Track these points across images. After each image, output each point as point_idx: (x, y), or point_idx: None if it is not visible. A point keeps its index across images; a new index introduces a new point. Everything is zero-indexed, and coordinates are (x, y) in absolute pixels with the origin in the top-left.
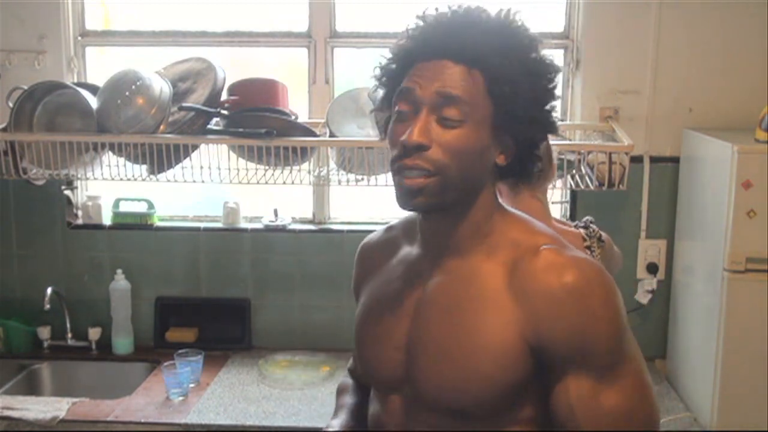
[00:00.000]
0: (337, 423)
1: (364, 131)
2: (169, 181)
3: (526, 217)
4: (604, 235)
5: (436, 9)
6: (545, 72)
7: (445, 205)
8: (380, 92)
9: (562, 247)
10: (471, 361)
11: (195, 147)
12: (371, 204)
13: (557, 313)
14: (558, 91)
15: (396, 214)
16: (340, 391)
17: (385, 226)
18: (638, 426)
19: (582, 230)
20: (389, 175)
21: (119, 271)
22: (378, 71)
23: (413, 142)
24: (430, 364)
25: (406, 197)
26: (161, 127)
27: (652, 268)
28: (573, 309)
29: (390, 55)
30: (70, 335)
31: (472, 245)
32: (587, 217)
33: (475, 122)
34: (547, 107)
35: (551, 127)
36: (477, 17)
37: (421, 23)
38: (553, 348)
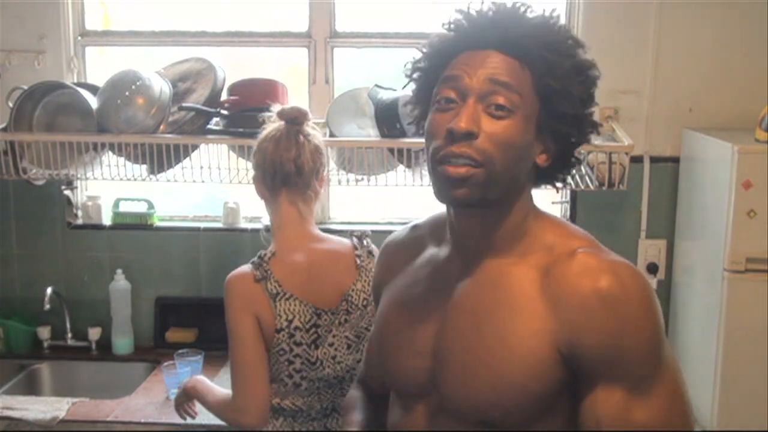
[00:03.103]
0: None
1: (364, 131)
2: (169, 181)
3: (562, 220)
4: (375, 249)
5: (482, 2)
6: (590, 74)
7: (486, 202)
8: (412, 86)
9: (598, 251)
10: (501, 369)
11: (195, 147)
12: (371, 204)
13: (589, 321)
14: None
15: (395, 214)
16: (348, 409)
17: (410, 225)
18: None
19: (355, 240)
20: (389, 175)
21: (119, 271)
22: (413, 63)
23: (462, 129)
24: (457, 372)
25: (447, 187)
26: (161, 127)
27: (652, 268)
28: (606, 316)
29: (427, 48)
30: (70, 335)
31: (505, 248)
32: (364, 231)
33: (523, 115)
34: (589, 110)
35: (594, 129)
36: (523, 12)
37: (462, 15)
38: (585, 357)
